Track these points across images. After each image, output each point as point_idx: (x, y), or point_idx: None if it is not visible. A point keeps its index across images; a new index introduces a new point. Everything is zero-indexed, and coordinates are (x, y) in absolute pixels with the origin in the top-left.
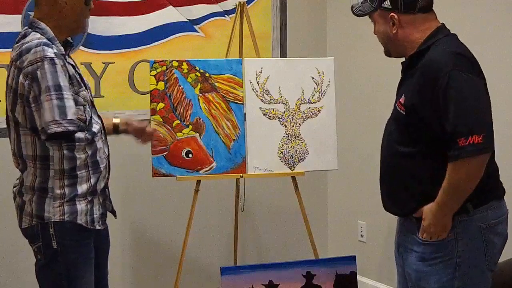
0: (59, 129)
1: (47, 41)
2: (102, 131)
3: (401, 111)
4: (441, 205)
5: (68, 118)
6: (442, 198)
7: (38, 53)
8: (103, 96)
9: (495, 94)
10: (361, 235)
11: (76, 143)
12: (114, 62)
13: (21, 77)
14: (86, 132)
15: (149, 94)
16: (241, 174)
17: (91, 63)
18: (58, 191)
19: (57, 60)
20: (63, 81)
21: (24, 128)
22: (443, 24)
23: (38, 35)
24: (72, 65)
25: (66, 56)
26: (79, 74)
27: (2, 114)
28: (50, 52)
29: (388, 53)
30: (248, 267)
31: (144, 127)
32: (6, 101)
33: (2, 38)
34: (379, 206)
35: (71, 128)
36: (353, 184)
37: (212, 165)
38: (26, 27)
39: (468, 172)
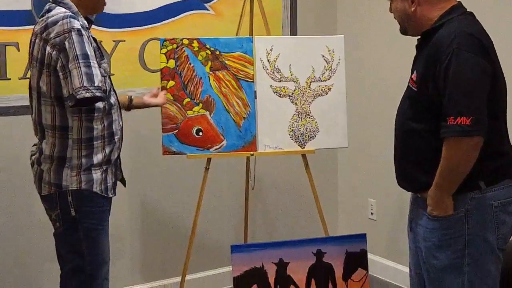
0: (88, 95)
1: (73, 14)
2: (118, 104)
3: (412, 87)
4: (437, 187)
5: (95, 85)
6: (437, 179)
7: (65, 25)
8: (113, 74)
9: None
10: (372, 213)
11: (95, 114)
12: (124, 40)
13: (48, 47)
14: (105, 102)
15: (159, 72)
16: (252, 152)
17: (102, 41)
18: (75, 161)
19: (83, 31)
20: (90, 51)
21: (47, 98)
22: (459, 2)
23: (63, 9)
24: (94, 38)
25: (89, 30)
26: (99, 48)
27: (15, 92)
28: (77, 24)
29: (404, 31)
30: (259, 245)
31: (155, 93)
32: (30, 72)
33: (11, 16)
34: (389, 184)
35: (98, 94)
36: (363, 162)
37: (222, 143)
38: (50, 3)
39: (457, 154)
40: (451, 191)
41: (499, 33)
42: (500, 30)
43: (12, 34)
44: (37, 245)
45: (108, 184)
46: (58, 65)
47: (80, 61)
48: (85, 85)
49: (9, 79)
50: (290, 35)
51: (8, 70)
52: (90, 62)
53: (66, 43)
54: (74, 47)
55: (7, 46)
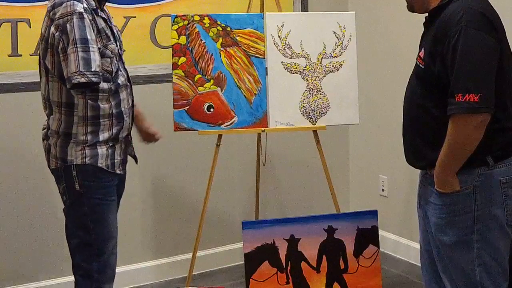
0: (83, 80)
1: None
2: (128, 83)
3: (420, 65)
4: (441, 164)
5: (92, 69)
6: (441, 156)
7: (68, 7)
8: (125, 51)
9: None
10: (383, 190)
11: (100, 93)
12: (135, 17)
13: (52, 28)
14: (111, 83)
15: (170, 49)
16: (263, 129)
17: (112, 18)
18: (81, 137)
19: (85, 15)
20: (90, 35)
21: (52, 75)
22: None
23: None
24: (104, 18)
25: (98, 11)
26: (110, 28)
27: (26, 68)
28: (79, 7)
29: (411, 8)
30: (270, 222)
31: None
32: (39, 48)
33: None
34: (400, 160)
35: (94, 79)
36: (375, 138)
37: (233, 119)
38: None
39: (464, 131)
40: (455, 170)
41: (506, 10)
42: (507, 7)
43: (24, 10)
44: (53, 218)
45: (115, 160)
46: (59, 47)
47: (78, 45)
48: (81, 70)
49: (20, 55)
50: (301, 11)
51: (20, 46)
52: (88, 47)
53: (68, 25)
54: (74, 30)
55: (18, 23)
